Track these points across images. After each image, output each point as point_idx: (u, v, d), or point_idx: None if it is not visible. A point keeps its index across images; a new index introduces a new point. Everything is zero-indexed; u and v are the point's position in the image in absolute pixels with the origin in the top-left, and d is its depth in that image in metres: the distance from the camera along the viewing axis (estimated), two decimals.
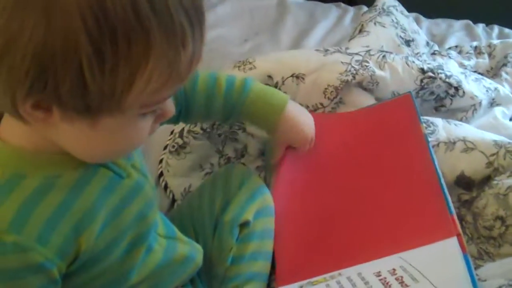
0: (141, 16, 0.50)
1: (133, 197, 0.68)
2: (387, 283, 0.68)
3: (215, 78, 0.87)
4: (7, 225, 0.57)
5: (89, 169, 0.64)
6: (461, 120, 1.11)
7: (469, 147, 0.94)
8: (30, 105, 0.53)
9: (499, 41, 1.43)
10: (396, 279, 0.68)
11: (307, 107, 1.06)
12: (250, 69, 1.07)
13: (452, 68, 1.16)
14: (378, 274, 0.71)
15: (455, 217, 0.79)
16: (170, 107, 0.63)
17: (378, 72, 1.07)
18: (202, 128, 1.06)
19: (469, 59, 1.35)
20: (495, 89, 1.14)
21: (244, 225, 0.85)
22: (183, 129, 1.06)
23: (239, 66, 1.08)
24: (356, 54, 1.09)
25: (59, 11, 0.48)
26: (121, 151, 0.64)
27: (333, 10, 1.76)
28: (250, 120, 0.90)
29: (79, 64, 0.49)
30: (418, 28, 1.43)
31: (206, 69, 1.33)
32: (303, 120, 0.91)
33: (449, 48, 1.43)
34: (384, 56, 1.09)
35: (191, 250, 0.80)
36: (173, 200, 1.03)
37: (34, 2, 0.48)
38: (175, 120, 0.89)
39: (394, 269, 0.70)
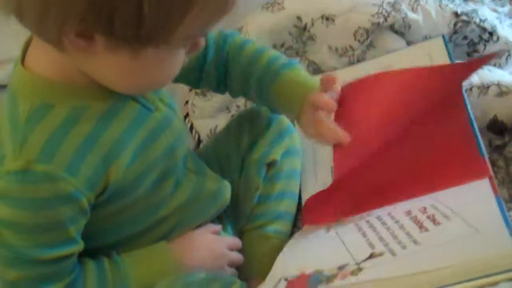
0: None
1: (162, 130, 0.68)
2: (418, 221, 0.67)
3: (262, 50, 0.82)
4: (37, 155, 0.57)
5: (118, 102, 0.63)
6: (494, 66, 1.07)
7: (503, 91, 0.91)
8: (74, 33, 0.52)
9: None
10: (428, 217, 0.67)
11: (336, 49, 1.04)
12: (279, 10, 1.04)
13: (486, 12, 1.12)
14: (409, 213, 0.70)
15: (487, 159, 0.77)
16: (202, 39, 0.62)
17: (411, 14, 1.04)
18: None
19: (502, 5, 1.30)
20: None
21: (272, 164, 0.85)
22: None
23: (267, 8, 1.06)
24: None
25: None
26: (156, 83, 0.63)
27: None
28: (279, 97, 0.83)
29: None
30: None
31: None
32: None
33: None
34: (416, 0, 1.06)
35: (220, 187, 0.80)
36: (199, 141, 1.03)
37: None
38: (215, 88, 0.86)
39: (425, 208, 0.69)
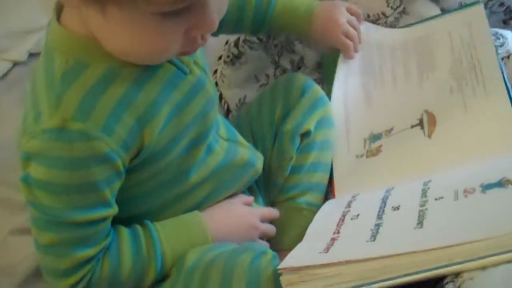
0: None
1: (195, 93, 0.67)
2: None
3: None
4: (72, 113, 0.57)
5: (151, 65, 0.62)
6: None
7: None
8: None
9: None
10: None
11: (368, 16, 1.01)
12: None
13: None
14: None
15: None
16: (209, 18, 0.56)
17: None
18: (258, 38, 1.02)
19: None
20: None
21: (305, 135, 0.84)
22: (238, 38, 1.03)
23: None
24: None
25: None
26: (149, 53, 0.59)
27: None
28: (282, 31, 0.90)
29: None
30: None
31: None
32: (335, 19, 0.89)
33: None
34: None
35: (252, 155, 0.79)
36: (228, 111, 1.01)
37: None
38: None
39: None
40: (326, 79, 1.00)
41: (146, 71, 0.61)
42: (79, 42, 0.59)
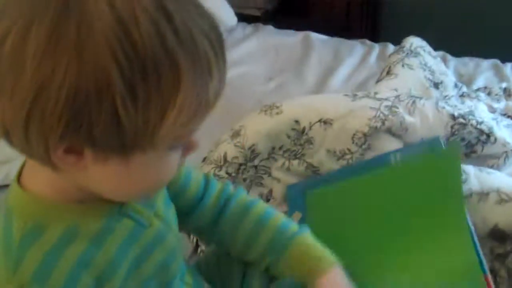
0: (168, 46, 0.49)
1: (154, 246, 0.67)
2: None
3: (266, 219, 0.80)
4: (30, 277, 0.56)
5: (112, 219, 0.63)
6: (492, 167, 1.08)
7: (503, 199, 0.91)
8: (62, 150, 0.52)
9: None
10: None
11: (334, 152, 1.04)
12: (277, 113, 1.06)
13: (482, 112, 1.14)
14: None
15: (489, 277, 0.76)
16: (194, 138, 0.61)
17: (408, 118, 1.05)
18: (227, 172, 1.04)
19: (498, 101, 1.32)
20: None
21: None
22: (208, 173, 1.05)
23: (265, 111, 1.07)
24: (385, 99, 1.07)
25: (90, 46, 0.47)
26: (153, 187, 0.62)
27: (358, 48, 1.75)
28: (284, 272, 0.80)
29: (112, 102, 0.48)
30: (446, 69, 1.41)
31: (229, 107, 1.35)
32: None
33: (478, 90, 1.40)
34: (414, 102, 1.07)
35: None
36: (197, 245, 1.01)
37: (66, 42, 0.47)
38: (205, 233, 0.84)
39: None
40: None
41: (105, 229, 0.62)
42: (39, 205, 0.59)
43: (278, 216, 0.81)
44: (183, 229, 0.79)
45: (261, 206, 0.82)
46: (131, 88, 0.49)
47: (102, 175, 0.56)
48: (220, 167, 1.04)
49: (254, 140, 1.04)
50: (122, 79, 0.48)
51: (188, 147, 0.61)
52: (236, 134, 1.06)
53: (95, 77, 0.48)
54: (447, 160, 0.94)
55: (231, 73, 1.60)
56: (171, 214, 0.72)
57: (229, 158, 1.05)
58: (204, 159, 1.08)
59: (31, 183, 0.60)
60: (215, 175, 1.04)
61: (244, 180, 1.05)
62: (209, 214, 0.80)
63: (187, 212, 0.79)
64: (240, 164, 1.04)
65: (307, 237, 0.79)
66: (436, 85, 1.29)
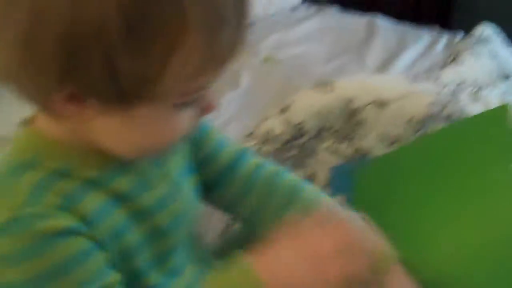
0: None
1: (155, 210, 0.61)
2: None
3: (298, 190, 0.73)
4: (21, 202, 0.52)
5: (110, 172, 0.58)
6: None
7: None
8: (62, 97, 0.49)
9: None
10: None
11: (386, 137, 0.98)
12: (330, 91, 1.00)
13: None
14: None
15: None
16: (214, 99, 0.56)
17: (470, 106, 0.97)
18: (270, 150, 1.00)
19: None
20: None
21: None
22: (247, 147, 1.01)
23: (317, 88, 1.02)
24: (447, 85, 1.00)
25: None
26: (160, 146, 0.57)
27: (425, 36, 1.66)
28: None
29: (109, 42, 0.45)
30: None
31: (286, 86, 1.31)
32: None
33: None
34: (478, 90, 1.00)
35: None
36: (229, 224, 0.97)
37: None
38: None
39: None
40: None
41: (100, 178, 0.57)
42: (41, 140, 0.55)
43: (309, 188, 0.74)
44: (210, 202, 0.74)
45: (292, 178, 0.74)
46: (130, 28, 0.45)
47: (105, 128, 0.53)
48: (264, 143, 1.00)
49: (303, 117, 1.00)
50: (121, 16, 0.44)
51: (204, 108, 0.56)
52: (285, 109, 1.01)
53: (92, 13, 0.44)
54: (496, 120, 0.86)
55: (290, 52, 1.56)
56: (188, 181, 0.67)
57: (274, 134, 1.00)
58: (250, 134, 1.04)
59: (37, 123, 0.57)
60: (258, 151, 1.00)
61: (287, 159, 1.00)
62: (238, 186, 0.74)
63: (214, 184, 0.73)
64: (286, 141, 1.00)
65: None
66: (506, 77, 1.20)
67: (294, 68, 1.45)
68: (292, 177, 0.75)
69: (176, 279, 0.65)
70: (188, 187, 0.67)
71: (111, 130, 0.53)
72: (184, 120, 0.55)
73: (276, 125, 1.01)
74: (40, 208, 0.52)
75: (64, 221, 0.52)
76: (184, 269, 0.67)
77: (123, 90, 0.48)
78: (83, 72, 0.46)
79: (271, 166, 0.75)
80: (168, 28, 0.46)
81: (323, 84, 1.02)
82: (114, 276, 0.56)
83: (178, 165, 0.66)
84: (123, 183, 0.59)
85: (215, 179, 0.73)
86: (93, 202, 0.56)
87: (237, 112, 1.26)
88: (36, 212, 0.52)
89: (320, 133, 1.00)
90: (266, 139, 1.00)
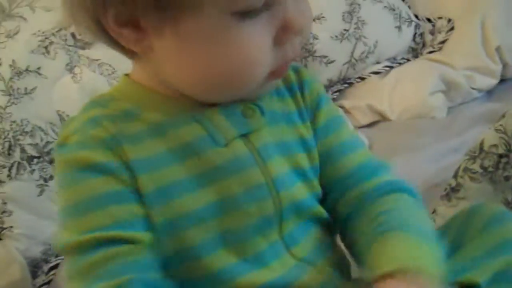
0: None
1: (226, 173, 0.52)
2: None
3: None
4: (74, 129, 0.52)
5: (180, 118, 0.53)
6: None
7: None
8: (112, 21, 0.48)
9: None
10: None
11: None
12: None
13: None
14: None
15: None
16: (294, 13, 0.48)
17: None
18: (482, 166, 0.77)
19: None
20: None
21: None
22: (459, 166, 0.79)
23: None
24: None
25: None
26: (229, 75, 0.49)
27: None
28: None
29: None
30: None
31: None
32: None
33: None
34: None
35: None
36: None
37: None
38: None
39: None
40: None
41: (168, 122, 0.52)
42: (127, 86, 0.56)
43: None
44: None
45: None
46: None
47: (167, 58, 0.50)
48: (474, 159, 0.77)
49: None
50: None
51: (284, 27, 0.48)
52: (500, 116, 0.78)
53: None
54: None
55: None
56: (284, 159, 0.55)
57: (486, 147, 0.77)
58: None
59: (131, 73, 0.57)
60: (466, 169, 0.78)
61: (507, 179, 0.75)
62: (346, 206, 0.58)
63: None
64: (500, 156, 0.76)
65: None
66: None
67: None
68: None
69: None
70: (280, 164, 0.55)
71: (171, 58, 0.50)
72: (255, 37, 0.47)
73: (488, 135, 0.78)
74: (83, 138, 0.50)
75: (100, 156, 0.50)
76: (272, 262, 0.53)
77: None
78: None
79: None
80: None
81: None
82: (143, 234, 0.49)
83: (274, 134, 0.56)
84: (188, 132, 0.52)
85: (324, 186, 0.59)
86: (148, 148, 0.51)
87: None
88: (78, 140, 0.50)
89: None
90: (476, 154, 0.78)
